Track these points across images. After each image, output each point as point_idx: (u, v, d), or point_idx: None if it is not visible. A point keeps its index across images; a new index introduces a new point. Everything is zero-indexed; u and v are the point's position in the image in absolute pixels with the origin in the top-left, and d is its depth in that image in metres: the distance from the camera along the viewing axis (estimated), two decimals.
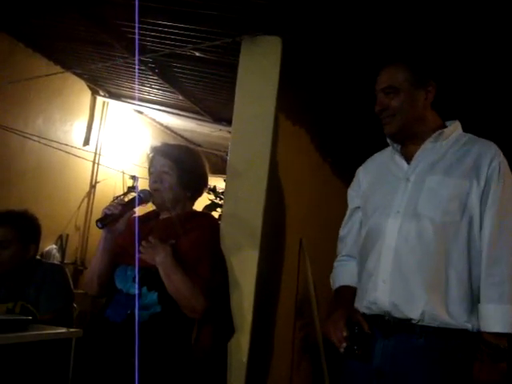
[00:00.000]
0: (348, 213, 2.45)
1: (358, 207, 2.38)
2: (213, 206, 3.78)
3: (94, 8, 3.61)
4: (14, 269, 3.05)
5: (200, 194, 2.83)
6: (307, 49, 3.16)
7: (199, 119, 6.19)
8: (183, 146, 2.89)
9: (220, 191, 3.78)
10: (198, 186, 2.77)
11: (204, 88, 4.97)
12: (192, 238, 2.55)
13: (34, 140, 5.38)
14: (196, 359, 2.53)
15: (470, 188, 2.06)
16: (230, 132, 3.10)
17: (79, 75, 5.79)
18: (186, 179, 2.64)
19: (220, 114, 5.92)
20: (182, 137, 7.84)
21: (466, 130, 2.27)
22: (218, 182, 4.35)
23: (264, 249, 2.86)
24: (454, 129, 2.23)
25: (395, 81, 2.18)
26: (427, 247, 2.04)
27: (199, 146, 8.07)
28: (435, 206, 2.06)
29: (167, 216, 2.66)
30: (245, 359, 2.75)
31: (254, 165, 2.90)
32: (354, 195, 2.44)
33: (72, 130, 6.03)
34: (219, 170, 5.82)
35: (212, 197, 3.84)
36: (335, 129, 4.21)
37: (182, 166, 2.63)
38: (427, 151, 2.19)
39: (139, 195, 2.55)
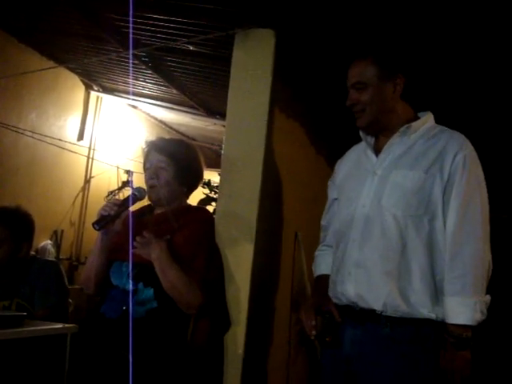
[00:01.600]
0: (328, 203, 2.54)
1: (336, 198, 2.45)
2: (207, 200, 3.77)
3: (86, 2, 3.59)
4: (7, 267, 3.04)
5: (195, 188, 2.83)
6: (301, 41, 3.15)
7: (193, 113, 6.18)
8: (179, 141, 2.87)
9: (215, 185, 3.77)
10: (194, 180, 2.76)
11: (198, 82, 4.96)
12: (187, 232, 2.54)
13: (28, 135, 5.36)
14: (192, 354, 2.53)
15: (434, 182, 2.10)
16: (224, 126, 3.08)
17: (72, 70, 5.77)
18: (183, 175, 2.64)
19: (214, 108, 5.91)
20: (176, 131, 7.82)
21: (443, 120, 2.30)
22: (212, 176, 4.33)
23: (259, 242, 2.85)
24: (425, 121, 2.27)
25: (364, 76, 2.23)
26: (389, 241, 2.10)
27: (194, 139, 8.05)
28: (398, 200, 2.12)
29: (162, 211, 2.66)
30: (241, 352, 2.75)
31: (249, 159, 2.89)
32: (332, 187, 2.53)
33: (66, 125, 6.01)
34: (214, 164, 5.80)
35: (207, 191, 3.83)
36: (331, 121, 4.20)
37: (178, 162, 2.62)
38: (395, 145, 2.24)
39: (134, 194, 2.53)
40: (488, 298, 2.05)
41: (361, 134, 2.37)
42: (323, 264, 2.47)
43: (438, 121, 2.31)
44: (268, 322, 3.23)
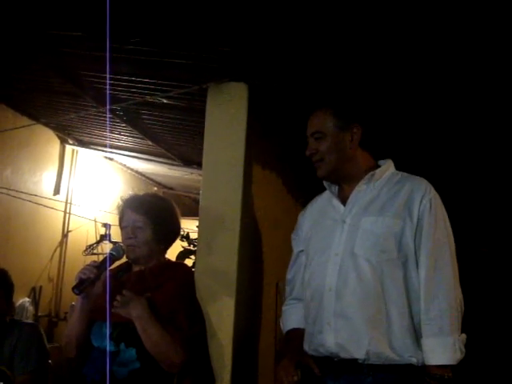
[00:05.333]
0: (293, 257, 2.55)
1: (302, 250, 2.46)
2: (186, 254, 3.74)
3: (58, 59, 3.60)
4: None
5: (173, 243, 2.81)
6: (274, 93, 3.18)
7: (170, 163, 6.18)
8: (154, 197, 2.85)
9: (193, 238, 3.74)
10: (172, 237, 2.76)
11: (173, 133, 4.97)
12: (166, 289, 2.52)
13: (3, 192, 5.30)
14: None
15: (404, 226, 2.15)
16: (201, 175, 3.09)
17: (47, 125, 5.75)
18: (161, 232, 2.63)
19: (190, 158, 5.92)
20: (153, 181, 7.81)
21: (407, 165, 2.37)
22: (191, 225, 4.31)
23: (240, 295, 2.83)
24: (387, 168, 2.33)
25: (322, 126, 2.31)
26: (366, 287, 2.11)
27: (171, 189, 8.05)
28: (371, 247, 2.15)
29: (140, 268, 2.63)
30: None
31: (227, 211, 2.89)
32: (296, 239, 2.55)
33: (41, 180, 5.97)
34: (192, 213, 5.78)
35: (185, 244, 3.80)
36: (307, 169, 4.22)
37: (155, 220, 2.61)
38: (361, 193, 2.28)
39: (112, 254, 2.51)
40: (464, 336, 2.08)
41: (325, 183, 2.42)
42: (293, 318, 2.45)
43: (400, 168, 2.39)
44: (252, 375, 3.18)
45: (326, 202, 2.43)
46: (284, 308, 2.54)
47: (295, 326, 2.42)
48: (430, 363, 2.03)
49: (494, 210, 5.67)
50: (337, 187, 2.39)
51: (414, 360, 2.05)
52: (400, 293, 2.11)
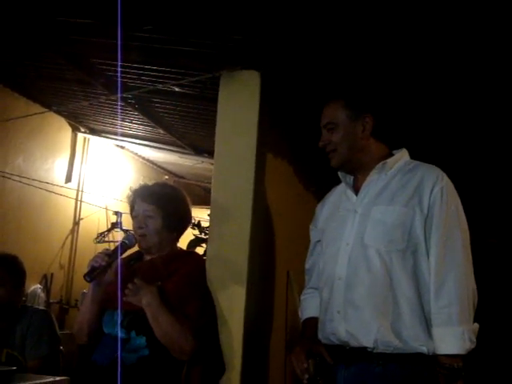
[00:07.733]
0: (311, 247, 2.56)
1: (319, 241, 2.46)
2: (197, 241, 3.75)
3: (70, 47, 3.59)
4: (4, 312, 2.99)
5: (184, 231, 2.82)
6: (286, 81, 3.17)
7: (181, 152, 6.18)
8: (164, 186, 2.85)
9: (205, 227, 3.74)
10: (183, 225, 2.77)
11: (185, 122, 4.97)
12: (177, 278, 2.53)
13: (15, 180, 5.32)
14: None
15: (414, 215, 2.13)
16: (212, 164, 3.08)
17: (59, 113, 5.76)
18: (171, 221, 2.64)
19: (202, 147, 5.91)
20: (164, 170, 7.81)
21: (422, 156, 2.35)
22: (202, 213, 4.31)
23: (251, 284, 2.83)
24: (400, 157, 2.32)
25: (334, 117, 2.32)
26: (375, 277, 2.11)
27: (182, 177, 8.05)
28: (380, 236, 2.14)
29: (152, 257, 2.64)
30: None
31: (238, 200, 2.89)
32: (314, 230, 2.54)
33: (53, 168, 5.98)
34: (203, 201, 5.79)
35: (196, 232, 3.80)
36: (318, 158, 4.21)
37: (165, 208, 2.62)
38: (373, 182, 2.28)
39: (124, 242, 2.52)
40: (476, 326, 2.06)
41: (339, 174, 2.42)
42: (310, 307, 2.46)
43: (415, 157, 2.36)
44: (263, 364, 3.19)
45: (341, 193, 2.43)
46: (302, 297, 2.56)
47: (312, 314, 2.43)
48: (440, 352, 2.02)
49: (503, 200, 5.66)
50: (352, 178, 2.40)
51: (424, 349, 2.04)
52: (410, 282, 2.10)
